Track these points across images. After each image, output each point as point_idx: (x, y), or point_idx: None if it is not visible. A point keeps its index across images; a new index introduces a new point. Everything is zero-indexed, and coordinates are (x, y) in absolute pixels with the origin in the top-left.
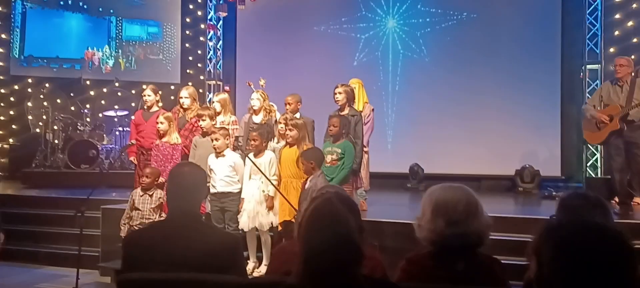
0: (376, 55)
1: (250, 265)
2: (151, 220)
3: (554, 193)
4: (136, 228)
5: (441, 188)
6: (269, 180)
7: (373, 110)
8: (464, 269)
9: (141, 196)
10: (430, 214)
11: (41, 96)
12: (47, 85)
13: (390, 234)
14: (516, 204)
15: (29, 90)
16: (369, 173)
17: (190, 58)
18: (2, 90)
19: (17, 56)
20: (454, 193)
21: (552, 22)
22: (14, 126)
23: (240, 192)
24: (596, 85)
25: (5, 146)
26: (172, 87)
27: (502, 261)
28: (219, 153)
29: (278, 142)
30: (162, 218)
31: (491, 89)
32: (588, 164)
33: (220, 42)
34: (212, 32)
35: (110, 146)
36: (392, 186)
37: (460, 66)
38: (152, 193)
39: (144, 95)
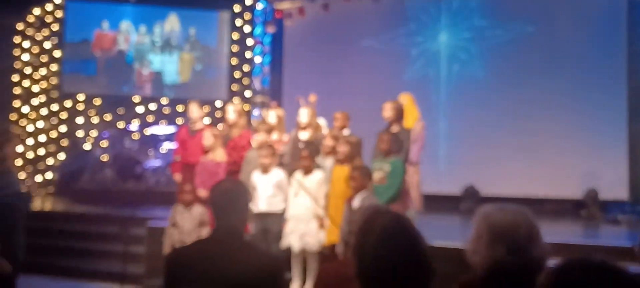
0: (428, 71)
1: (295, 287)
2: (192, 237)
3: (619, 217)
4: (176, 245)
5: (498, 211)
6: (317, 203)
7: (424, 126)
8: None
9: (181, 213)
10: (488, 239)
11: (91, 113)
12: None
13: (442, 258)
14: (580, 229)
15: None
16: (420, 194)
17: (237, 74)
18: (54, 107)
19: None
20: (513, 217)
21: (617, 34)
22: (64, 142)
23: (283, 212)
24: None
25: (56, 162)
26: (219, 104)
27: None
28: (264, 170)
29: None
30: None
31: (550, 106)
32: None
33: (267, 58)
34: (259, 47)
35: (157, 162)
36: (444, 208)
37: (517, 82)
38: (192, 210)
39: (189, 111)
